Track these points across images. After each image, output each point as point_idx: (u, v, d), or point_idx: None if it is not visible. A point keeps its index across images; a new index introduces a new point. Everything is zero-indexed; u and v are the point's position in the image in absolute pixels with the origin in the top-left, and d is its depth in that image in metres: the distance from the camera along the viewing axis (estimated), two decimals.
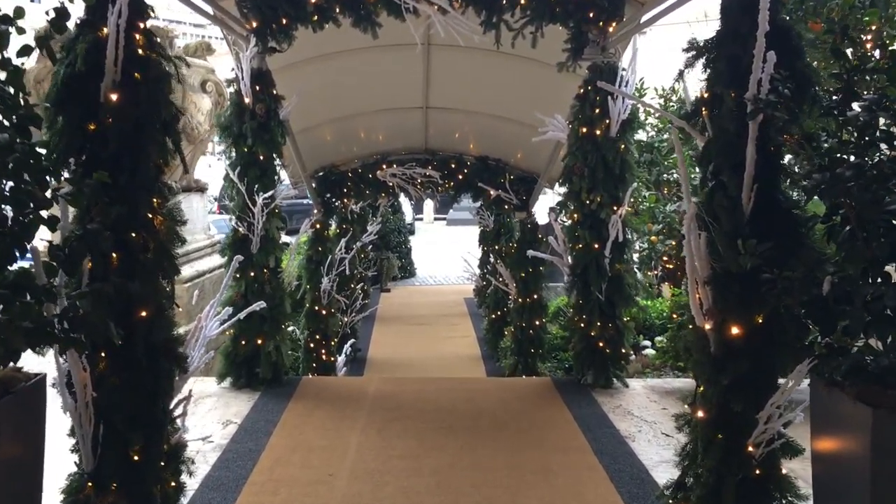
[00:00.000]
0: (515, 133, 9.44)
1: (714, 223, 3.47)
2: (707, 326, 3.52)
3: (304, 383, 6.64)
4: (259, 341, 6.41)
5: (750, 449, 3.46)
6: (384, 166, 10.24)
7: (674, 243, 9.85)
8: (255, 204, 6.27)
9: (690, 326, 3.69)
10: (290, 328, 11.55)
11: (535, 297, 10.04)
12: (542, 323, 10.12)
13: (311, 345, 9.96)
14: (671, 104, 10.56)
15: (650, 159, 10.43)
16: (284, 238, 12.54)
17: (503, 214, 13.28)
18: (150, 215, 3.47)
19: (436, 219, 37.66)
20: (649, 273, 10.20)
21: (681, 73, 3.80)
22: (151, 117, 3.42)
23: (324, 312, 10.02)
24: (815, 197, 3.35)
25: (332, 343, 10.28)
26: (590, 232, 6.45)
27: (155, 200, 3.52)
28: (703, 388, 3.65)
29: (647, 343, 9.58)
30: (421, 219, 37.16)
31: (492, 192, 10.09)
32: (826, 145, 3.26)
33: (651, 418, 5.71)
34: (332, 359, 10.24)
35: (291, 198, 9.42)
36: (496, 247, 13.96)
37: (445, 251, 27.04)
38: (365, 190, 10.46)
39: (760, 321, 3.35)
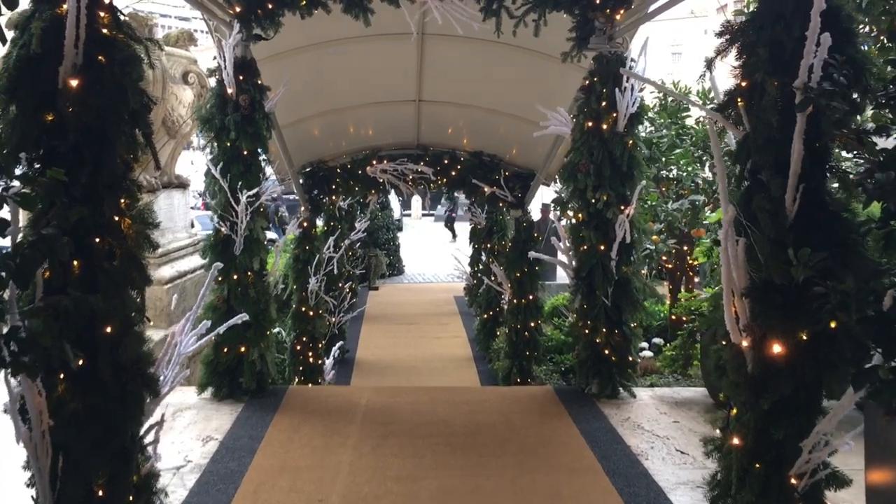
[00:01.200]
0: (511, 128, 9.07)
1: (752, 228, 3.10)
2: (744, 343, 3.15)
3: (291, 393, 6.22)
4: (242, 349, 5.99)
5: (792, 480, 3.10)
6: (374, 162, 9.83)
7: (674, 242, 9.53)
8: (238, 202, 5.85)
9: (724, 343, 3.31)
10: (277, 330, 11.17)
11: (531, 297, 9.68)
12: (537, 324, 9.79)
13: (298, 347, 9.58)
14: (670, 98, 10.20)
15: (648, 155, 10.09)
16: (271, 235, 12.10)
17: (496, 211, 12.92)
18: (117, 218, 3.04)
19: (424, 215, 37.29)
20: (643, 273, 9.86)
21: (711, 62, 3.41)
22: (118, 106, 2.99)
23: (311, 314, 9.62)
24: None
25: (320, 345, 9.89)
26: (595, 232, 6.07)
27: (122, 200, 3.09)
28: (738, 411, 3.28)
29: (645, 345, 9.23)
30: (409, 215, 36.78)
31: (486, 189, 9.72)
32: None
33: (663, 433, 5.34)
34: (320, 362, 9.85)
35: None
36: (488, 245, 13.59)
37: (434, 248, 26.74)
38: (354, 186, 10.05)
39: (805, 338, 2.99)
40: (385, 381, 11.58)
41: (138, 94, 3.10)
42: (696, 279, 11.03)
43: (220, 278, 5.96)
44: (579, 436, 5.28)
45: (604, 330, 6.08)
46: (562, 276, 17.94)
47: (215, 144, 5.95)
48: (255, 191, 5.89)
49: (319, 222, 13.67)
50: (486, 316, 12.91)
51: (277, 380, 10.05)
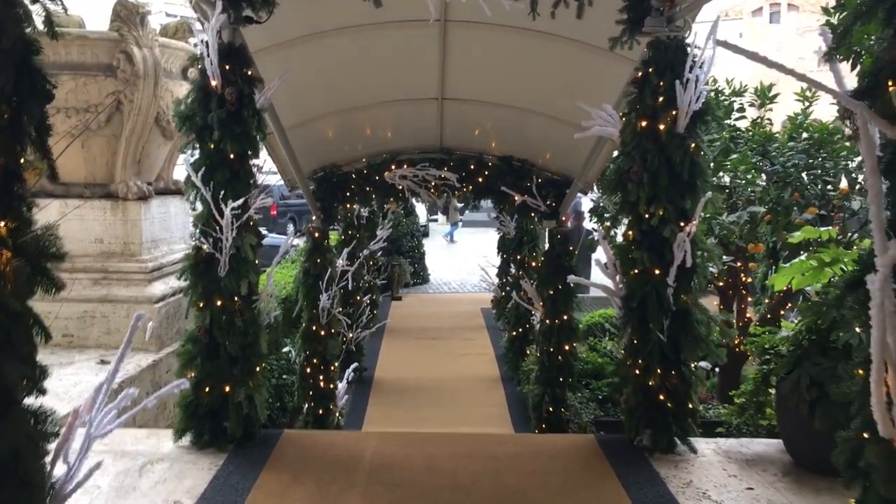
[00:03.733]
0: (545, 129, 8.07)
1: None
2: None
3: (285, 441, 5.26)
4: (227, 389, 5.05)
5: None
6: (393, 167, 8.87)
7: (729, 260, 8.50)
8: (222, 214, 4.92)
9: (865, 435, 2.30)
10: (286, 349, 10.30)
11: (565, 318, 8.68)
12: (572, 347, 8.78)
13: (308, 370, 8.65)
14: (726, 95, 9.13)
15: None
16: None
17: (526, 221, 11.90)
18: None
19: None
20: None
21: (846, 32, 2.40)
22: None
23: (322, 333, 8.68)
24: None
25: (332, 368, 8.94)
26: (648, 254, 5.04)
27: (1, 223, 2.17)
28: None
29: None
30: (436, 220, 35.92)
31: (517, 198, 8.72)
32: None
33: None
34: (332, 386, 8.92)
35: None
36: (518, 256, 12.59)
37: (461, 255, 25.83)
38: (371, 194, 9.10)
39: None
40: (405, 404, 10.71)
41: (25, 72, 2.17)
42: (749, 298, 9.98)
43: (201, 304, 5.05)
44: None
45: (658, 371, 5.05)
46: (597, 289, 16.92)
47: (197, 146, 5.04)
48: (240, 201, 4.94)
49: (337, 230, 12.87)
50: (514, 333, 11.93)
51: (286, 409, 9.20)
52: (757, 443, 5.35)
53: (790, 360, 4.74)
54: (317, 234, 8.66)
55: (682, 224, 4.98)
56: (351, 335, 11.70)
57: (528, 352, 11.14)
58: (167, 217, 8.24)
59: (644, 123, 5.03)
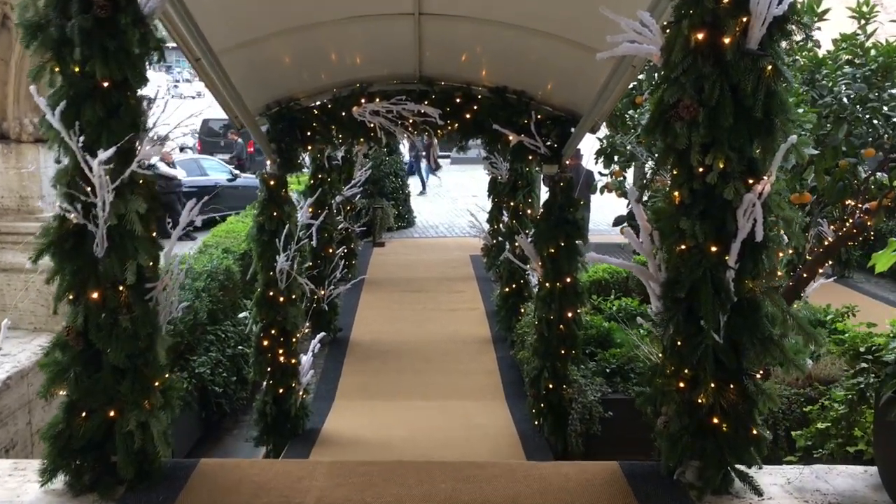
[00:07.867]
0: (548, 53, 6.55)
1: None
2: None
3: (198, 478, 3.83)
4: (111, 413, 3.63)
5: None
6: (363, 101, 7.32)
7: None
8: (93, 170, 3.42)
9: None
10: (243, 314, 8.98)
11: (569, 280, 7.33)
12: (575, 314, 7.46)
13: (266, 342, 7.34)
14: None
15: None
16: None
17: (522, 163, 10.38)
18: None
19: (440, 157, 34.70)
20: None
21: None
22: None
23: (281, 300, 7.33)
24: None
25: (294, 339, 7.62)
26: (702, 223, 3.58)
27: None
28: None
29: None
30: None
31: (511, 138, 7.23)
32: None
33: None
34: (294, 361, 7.59)
35: None
36: (511, 203, 11.14)
37: (449, 196, 24.45)
38: (337, 133, 7.58)
39: None
40: (384, 371, 9.60)
41: None
42: (781, 254, 8.60)
43: (71, 296, 3.60)
44: None
45: (711, 384, 3.65)
46: (595, 236, 15.47)
47: (55, 70, 3.50)
48: (112, 150, 3.42)
49: (305, 173, 11.36)
50: (507, 290, 10.64)
51: (245, 382, 7.88)
52: (838, 472, 3.98)
53: None
54: (272, 183, 7.20)
55: (750, 181, 3.52)
56: (323, 293, 10.38)
57: (522, 310, 9.92)
58: None
59: (700, 36, 3.50)
